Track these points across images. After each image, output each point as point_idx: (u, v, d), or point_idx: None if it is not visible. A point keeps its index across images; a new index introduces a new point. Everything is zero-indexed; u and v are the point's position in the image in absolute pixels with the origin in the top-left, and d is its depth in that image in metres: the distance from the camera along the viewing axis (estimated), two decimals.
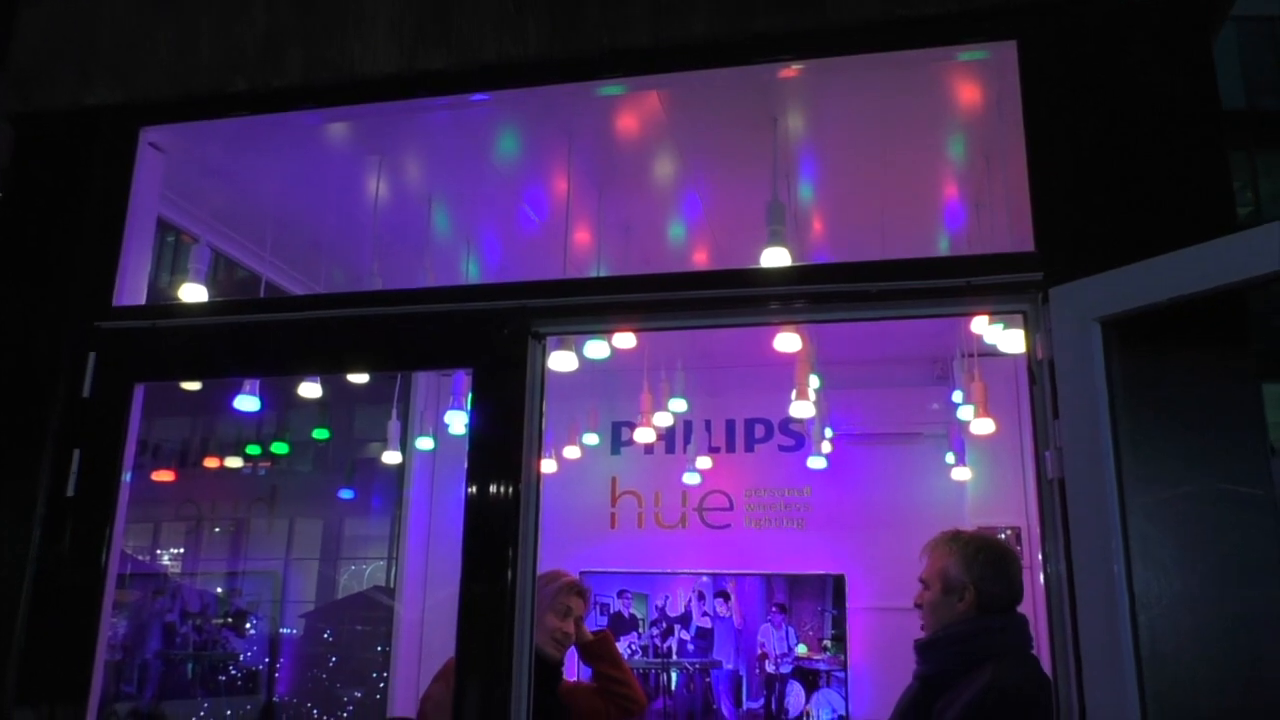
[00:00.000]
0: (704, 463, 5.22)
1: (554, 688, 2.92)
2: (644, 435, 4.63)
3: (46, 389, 2.50)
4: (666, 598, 5.09)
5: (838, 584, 4.91)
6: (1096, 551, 1.82)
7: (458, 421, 4.38)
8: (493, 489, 2.21)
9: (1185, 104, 2.09)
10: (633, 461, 5.41)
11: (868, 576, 4.93)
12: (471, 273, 3.93)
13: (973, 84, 2.64)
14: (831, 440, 4.95)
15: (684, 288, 2.31)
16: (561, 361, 3.58)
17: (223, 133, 2.82)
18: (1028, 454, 4.12)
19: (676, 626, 5.05)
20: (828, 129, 2.97)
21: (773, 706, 4.86)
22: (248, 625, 7.00)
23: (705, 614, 5.03)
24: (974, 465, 4.80)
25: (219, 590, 7.78)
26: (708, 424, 5.35)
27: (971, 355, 4.22)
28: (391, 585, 6.20)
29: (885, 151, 3.07)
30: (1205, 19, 2.14)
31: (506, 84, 2.53)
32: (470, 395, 2.33)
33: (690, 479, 5.17)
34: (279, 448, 8.34)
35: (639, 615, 5.09)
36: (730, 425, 5.35)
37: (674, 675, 5.01)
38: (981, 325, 3.58)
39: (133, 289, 2.63)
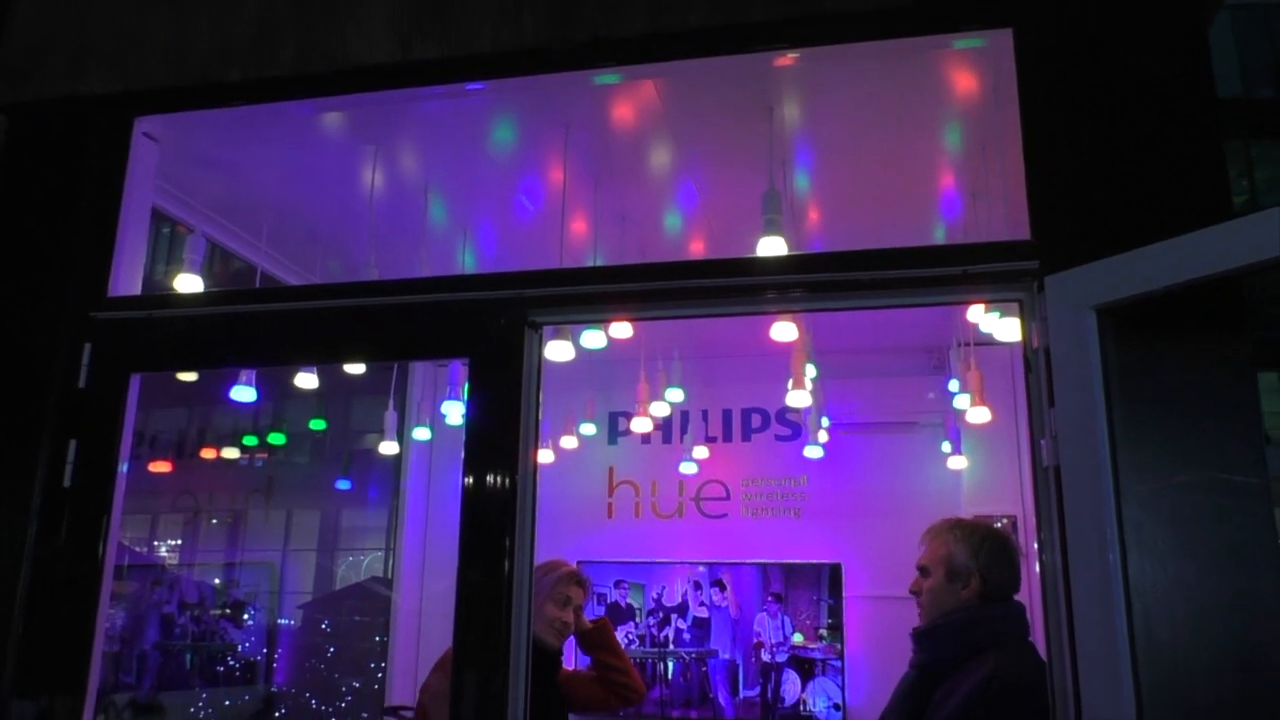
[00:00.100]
0: (701, 452, 5.23)
1: (553, 677, 2.92)
2: (641, 425, 4.64)
3: (42, 380, 2.50)
4: (664, 587, 5.10)
5: (834, 573, 4.92)
6: (1092, 539, 1.82)
7: (454, 412, 4.38)
8: (490, 479, 2.22)
9: (1180, 92, 2.08)
10: (630, 451, 5.41)
11: (864, 565, 4.94)
12: (468, 263, 3.92)
13: (969, 72, 2.64)
14: (828, 430, 4.96)
15: (680, 277, 2.31)
16: (558, 351, 3.58)
17: (218, 123, 2.81)
18: (1023, 443, 4.12)
19: (673, 616, 5.06)
20: (824, 118, 2.97)
21: (769, 695, 4.87)
22: (246, 616, 7.00)
23: (702, 604, 5.04)
24: (970, 454, 4.81)
25: (217, 581, 7.78)
26: (704, 414, 5.35)
27: (967, 344, 4.22)
28: (389, 576, 6.20)
29: (881, 140, 3.06)
30: (1200, 7, 2.13)
31: (502, 73, 2.52)
32: (467, 385, 2.33)
33: (687, 469, 5.18)
34: (276, 439, 8.32)
35: (636, 605, 5.11)
36: (727, 415, 5.36)
37: (671, 664, 5.02)
38: (977, 314, 3.58)
39: (128, 280, 2.63)
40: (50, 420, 2.47)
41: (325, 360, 3.34)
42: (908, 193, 3.39)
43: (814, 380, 4.13)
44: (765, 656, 4.92)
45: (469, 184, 3.45)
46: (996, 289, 2.16)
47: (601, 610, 5.04)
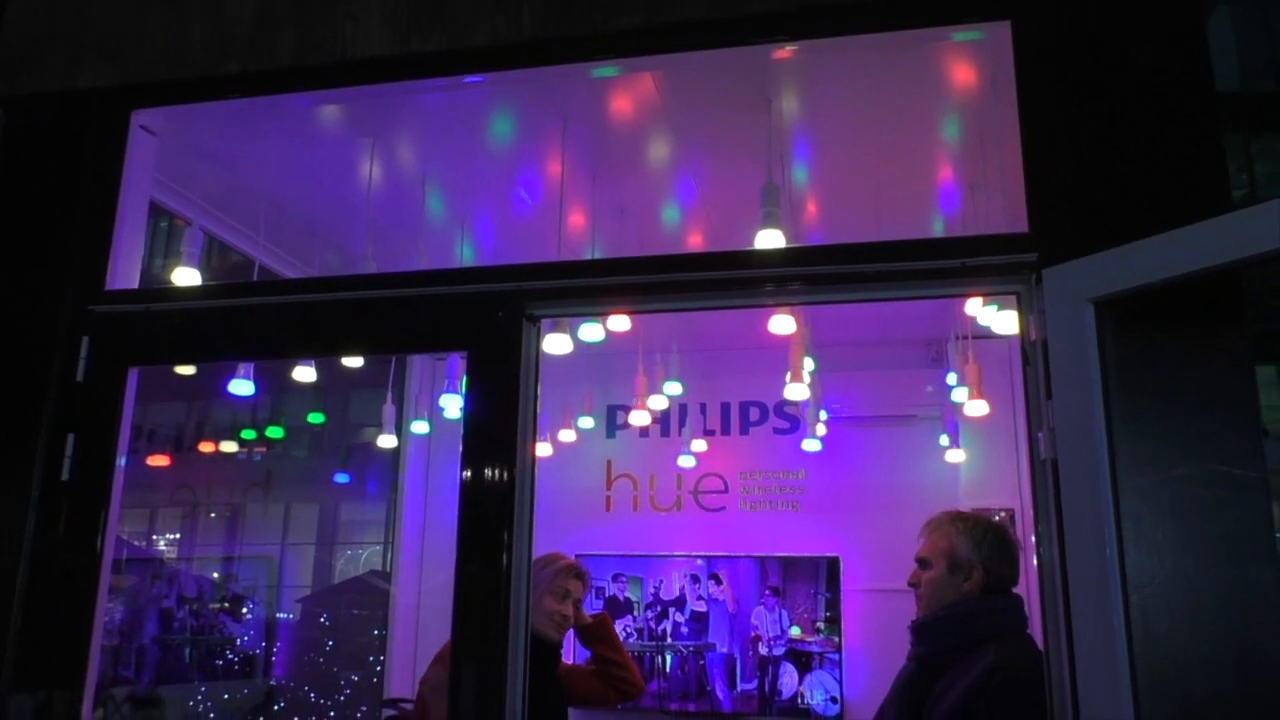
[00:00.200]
0: (699, 446, 5.23)
1: (552, 670, 2.93)
2: (639, 418, 4.64)
3: (40, 373, 2.50)
4: (661, 580, 5.10)
5: (832, 566, 4.92)
6: (1089, 532, 1.83)
7: (453, 405, 4.38)
8: (488, 473, 2.22)
9: (1179, 85, 2.08)
10: (628, 445, 5.41)
11: (862, 558, 4.95)
12: (466, 256, 3.92)
13: (967, 65, 2.64)
14: (826, 423, 4.96)
15: (679, 270, 2.31)
16: (556, 344, 3.58)
17: (215, 116, 2.81)
18: (1021, 436, 4.13)
19: (671, 609, 5.07)
20: (822, 111, 2.96)
21: (766, 688, 4.88)
22: (244, 610, 7.01)
23: (700, 598, 5.05)
24: (968, 447, 4.81)
25: (215, 575, 7.78)
26: (703, 407, 5.35)
27: (966, 337, 4.23)
28: (388, 570, 6.21)
29: (880, 133, 3.06)
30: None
31: (500, 66, 2.52)
32: (465, 378, 2.33)
33: (685, 462, 5.18)
34: (274, 432, 8.32)
35: (634, 598, 5.11)
36: (725, 408, 5.36)
37: (668, 658, 5.03)
38: (976, 307, 3.58)
39: (126, 273, 2.62)
40: (48, 414, 2.47)
41: (323, 353, 3.33)
42: (906, 185, 3.39)
43: (812, 373, 4.13)
44: (762, 650, 4.93)
45: (467, 177, 3.45)
46: (995, 282, 2.16)
47: (599, 604, 5.04)
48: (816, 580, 4.94)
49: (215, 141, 3.11)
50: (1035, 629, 2.16)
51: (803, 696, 4.82)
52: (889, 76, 2.72)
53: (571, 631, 3.11)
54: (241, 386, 3.74)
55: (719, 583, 5.03)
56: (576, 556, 3.16)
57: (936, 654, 2.40)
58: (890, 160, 3.22)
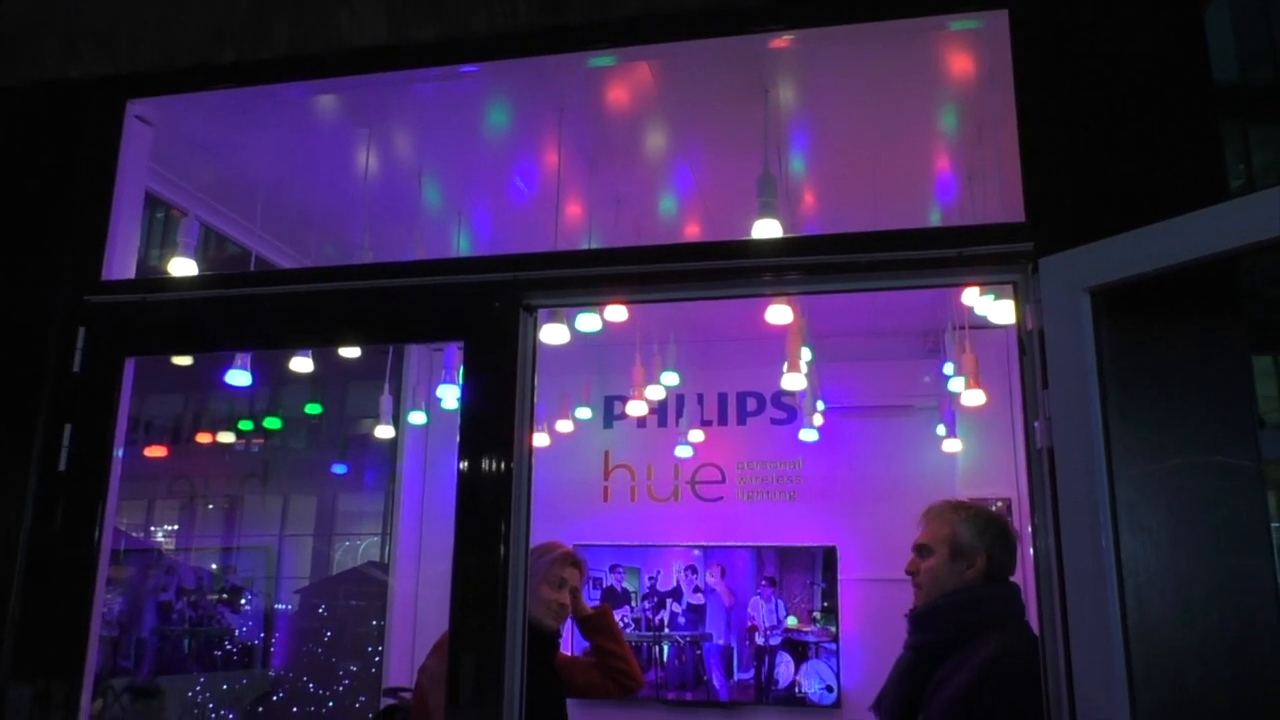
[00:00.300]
0: (696, 436, 5.24)
1: (551, 659, 2.93)
2: (636, 409, 4.64)
3: (37, 363, 2.49)
4: (659, 571, 5.11)
5: (828, 556, 4.94)
6: (1085, 520, 1.83)
7: (450, 396, 4.38)
8: (485, 463, 2.22)
9: (1177, 74, 2.08)
10: (625, 435, 5.42)
11: (859, 548, 4.96)
12: (463, 246, 3.92)
13: (964, 54, 2.63)
14: (823, 413, 4.96)
15: (676, 259, 2.30)
16: (553, 334, 3.58)
17: (211, 106, 2.80)
18: (1018, 426, 4.13)
19: (668, 600, 5.08)
20: (820, 100, 2.96)
21: (762, 678, 4.90)
22: (243, 601, 7.02)
23: (697, 589, 5.06)
24: (965, 437, 4.82)
25: (214, 566, 7.80)
26: (700, 397, 5.36)
27: (963, 328, 4.23)
28: (386, 561, 6.22)
29: (877, 122, 3.06)
30: None
31: (496, 55, 2.51)
32: (462, 369, 2.33)
33: (682, 452, 5.18)
34: (271, 423, 8.33)
35: (631, 589, 5.12)
36: (722, 398, 5.36)
37: (666, 648, 5.04)
38: (972, 297, 3.59)
39: (122, 263, 2.62)
40: (45, 404, 2.47)
41: (320, 343, 3.33)
42: (903, 175, 3.39)
43: (809, 363, 4.14)
44: (759, 640, 4.94)
45: (463, 167, 3.44)
46: (991, 271, 2.16)
47: (597, 594, 5.05)
48: (812, 570, 4.95)
49: (211, 131, 3.10)
50: (1031, 617, 2.17)
51: (799, 685, 4.84)
52: (886, 66, 2.72)
53: (571, 622, 3.11)
54: (238, 377, 3.74)
55: (722, 574, 5.04)
56: (574, 547, 3.16)
57: (936, 642, 2.39)
58: (887, 150, 3.22)
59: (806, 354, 4.01)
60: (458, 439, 2.25)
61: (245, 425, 8.14)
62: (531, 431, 2.27)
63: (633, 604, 5.10)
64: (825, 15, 2.33)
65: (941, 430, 4.85)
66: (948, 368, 4.38)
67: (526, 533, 2.22)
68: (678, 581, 5.09)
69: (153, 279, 2.76)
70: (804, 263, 2.25)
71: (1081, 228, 1.96)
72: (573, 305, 3.52)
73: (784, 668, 4.88)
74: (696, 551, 5.10)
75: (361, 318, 2.47)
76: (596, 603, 3.87)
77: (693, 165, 3.37)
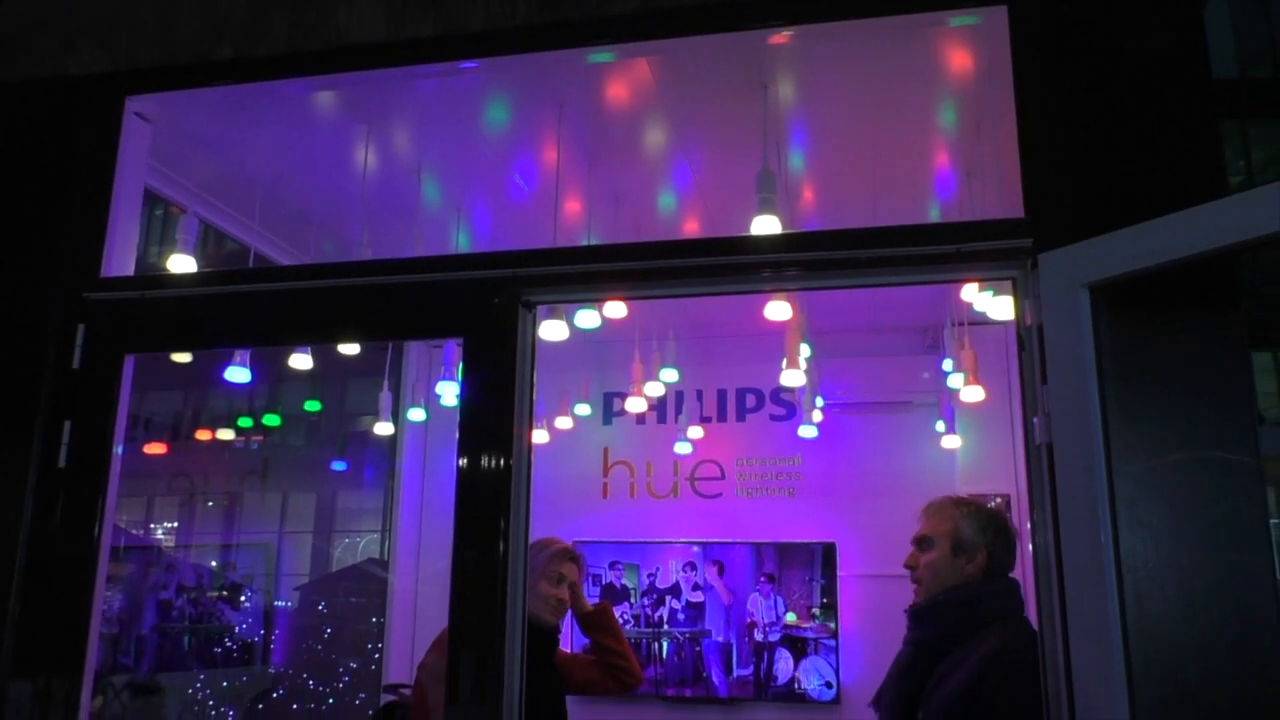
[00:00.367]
0: (695, 432, 5.24)
1: (550, 655, 2.93)
2: (635, 405, 4.64)
3: (36, 361, 2.49)
4: (658, 568, 5.12)
5: (827, 552, 4.94)
6: (1084, 516, 1.83)
7: (449, 392, 4.38)
8: (484, 460, 2.22)
9: (1176, 70, 2.08)
10: (624, 432, 5.42)
11: (858, 544, 4.96)
12: (462, 243, 3.92)
13: (963, 50, 2.63)
14: (822, 409, 4.97)
15: (675, 256, 2.30)
16: (552, 330, 3.58)
17: (210, 102, 2.80)
18: (1017, 421, 4.13)
19: (667, 596, 5.09)
20: (819, 96, 2.96)
21: (761, 674, 4.90)
22: (242, 598, 7.02)
23: (696, 586, 5.06)
24: (964, 433, 4.82)
25: (213, 563, 7.80)
26: (699, 394, 5.36)
27: (962, 324, 4.23)
28: (385, 557, 6.22)
29: (876, 119, 3.06)
30: None
31: (495, 51, 2.51)
32: (461, 365, 2.32)
33: (682, 449, 5.18)
34: (271, 420, 8.33)
35: (630, 585, 5.13)
36: (722, 395, 5.36)
37: (665, 644, 5.05)
38: (971, 293, 3.59)
39: (121, 260, 2.61)
40: (44, 401, 2.46)
41: (319, 340, 3.33)
42: (902, 171, 3.39)
43: (808, 360, 4.14)
44: (758, 636, 4.94)
45: (462, 163, 3.44)
46: (990, 267, 2.16)
47: (597, 591, 5.06)
48: (811, 567, 4.96)
49: (210, 128, 3.10)
50: (1031, 613, 2.17)
51: (798, 682, 4.85)
52: (885, 62, 2.72)
53: (571, 618, 3.11)
54: (238, 374, 3.74)
55: (721, 572, 5.04)
56: (573, 543, 3.16)
57: (937, 638, 2.39)
58: (886, 146, 3.22)
59: (806, 350, 4.01)
60: (457, 436, 2.25)
61: (245, 422, 8.14)
62: (531, 428, 2.27)
63: (632, 600, 5.10)
64: (824, 11, 2.33)
65: (941, 426, 4.86)
66: (947, 364, 4.38)
67: (526, 529, 2.22)
68: (676, 580, 5.09)
69: (152, 276, 2.76)
70: (803, 259, 2.25)
71: (1081, 224, 1.95)
72: (572, 302, 3.52)
73: (783, 664, 4.88)
74: (696, 548, 5.11)
75: (360, 314, 2.47)
76: (596, 600, 3.86)
77: (692, 161, 3.37)
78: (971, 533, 2.42)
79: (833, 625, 4.86)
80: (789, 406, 5.24)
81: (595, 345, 4.63)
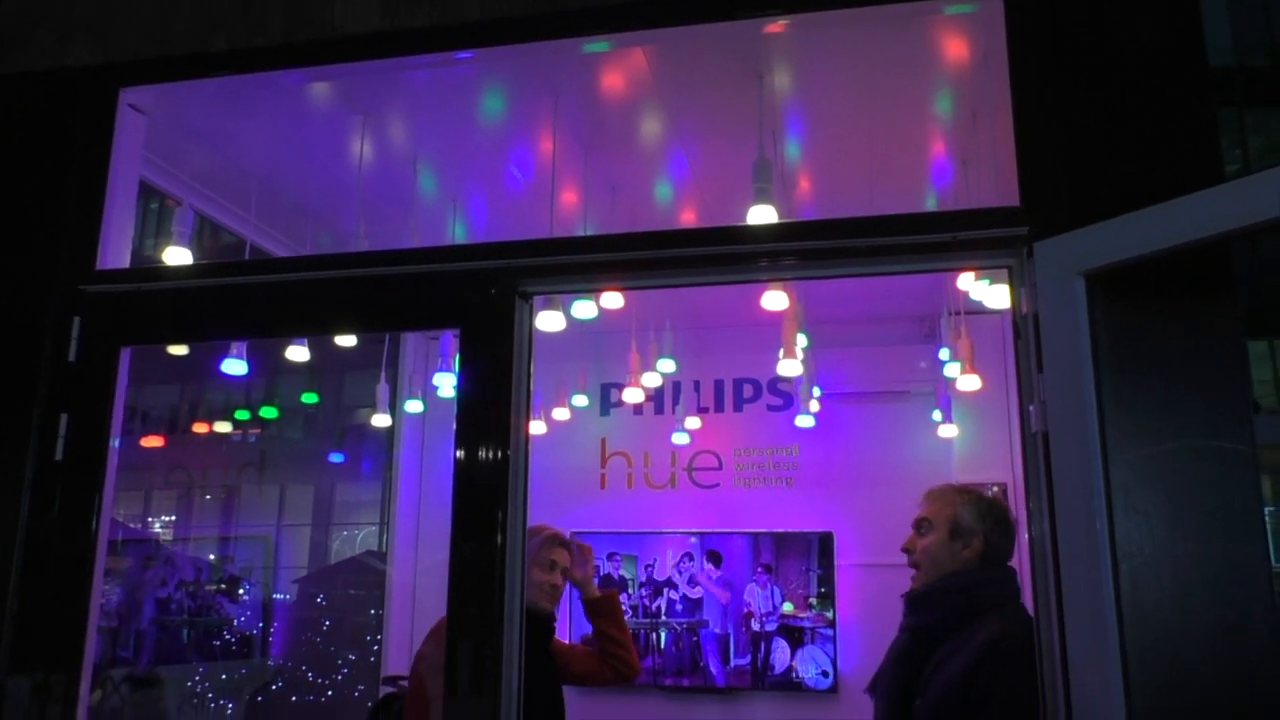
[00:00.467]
0: (693, 423, 5.24)
1: (547, 643, 2.94)
2: (633, 396, 4.64)
3: (32, 353, 2.49)
4: (655, 559, 5.13)
5: (825, 542, 4.95)
6: (1080, 503, 1.84)
7: (446, 384, 4.38)
8: (482, 451, 2.22)
9: (1172, 58, 2.08)
10: (622, 422, 5.42)
11: (856, 533, 4.97)
12: (458, 234, 3.91)
13: (959, 39, 2.63)
14: (819, 399, 4.97)
15: (672, 246, 2.30)
16: (548, 321, 3.58)
17: (205, 94, 2.79)
18: (1014, 411, 4.15)
19: (665, 588, 5.10)
20: (815, 86, 2.95)
21: (759, 663, 4.92)
22: (241, 591, 7.03)
23: (694, 581, 5.07)
24: (961, 422, 4.83)
25: (211, 557, 7.80)
26: (696, 384, 5.36)
27: (958, 313, 4.23)
28: (384, 550, 6.22)
29: (872, 108, 3.05)
30: None
31: (490, 41, 2.50)
32: (458, 357, 2.32)
33: (679, 439, 5.19)
34: (268, 413, 8.32)
35: (628, 576, 5.14)
36: (719, 385, 5.37)
37: (663, 635, 5.06)
38: (968, 282, 3.59)
39: (116, 253, 2.61)
40: (41, 394, 2.46)
41: (316, 331, 3.33)
42: (898, 160, 3.39)
43: (805, 350, 4.14)
44: (755, 626, 4.96)
45: (458, 154, 3.44)
46: (986, 255, 2.16)
47: (594, 582, 5.06)
48: (808, 556, 4.97)
49: (205, 120, 3.10)
50: (1026, 600, 2.18)
51: (795, 671, 4.86)
52: (881, 51, 2.71)
53: (579, 603, 3.13)
54: (234, 366, 3.74)
55: (717, 565, 5.05)
56: (572, 534, 3.17)
57: (934, 625, 2.40)
58: (882, 135, 3.22)
59: (802, 340, 4.01)
60: (454, 427, 2.25)
61: (242, 415, 8.13)
62: (528, 419, 2.27)
63: (630, 591, 5.11)
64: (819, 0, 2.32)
65: (937, 415, 4.86)
66: (943, 353, 4.39)
67: (524, 521, 2.22)
68: (672, 576, 5.10)
69: (147, 268, 2.75)
70: (799, 248, 2.25)
71: (1076, 212, 1.96)
72: (568, 292, 3.52)
73: (780, 653, 4.90)
74: (693, 538, 5.11)
75: (357, 306, 2.47)
76: (609, 589, 3.87)
77: (688, 151, 3.36)
78: (970, 519, 2.43)
79: (830, 615, 4.87)
80: (786, 397, 5.24)
81: (592, 336, 4.64)
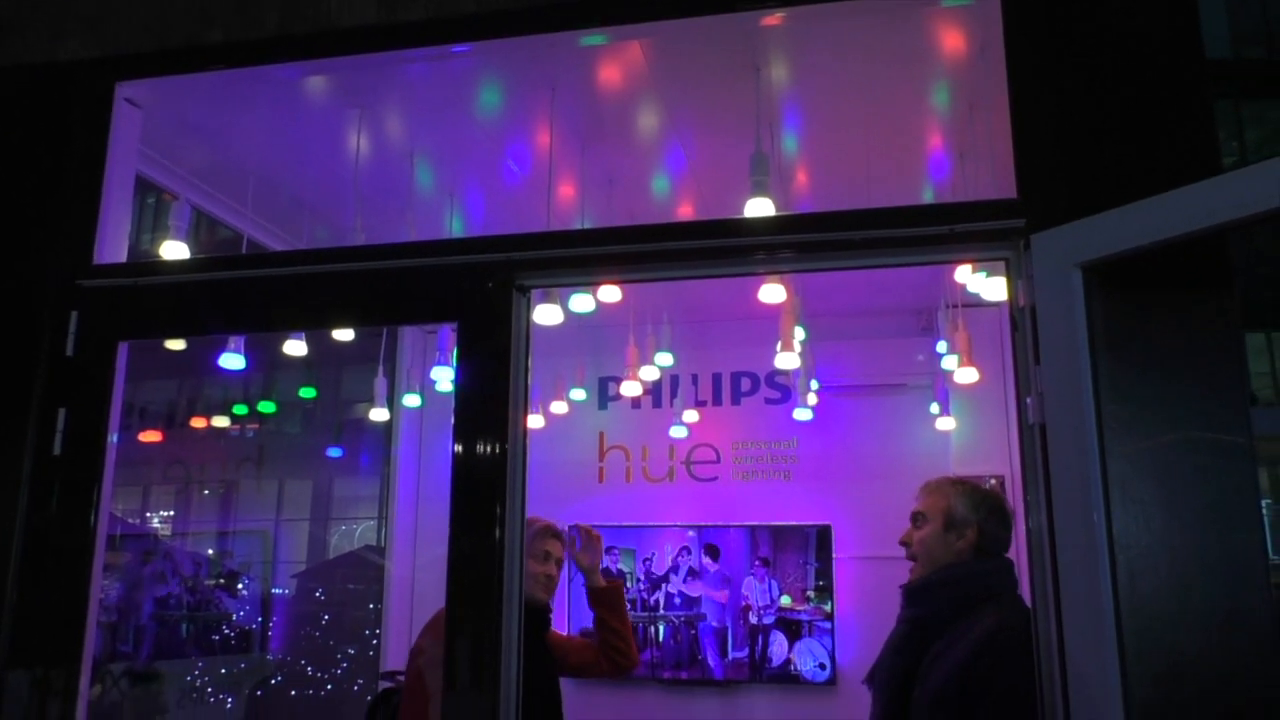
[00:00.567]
0: (691, 416, 5.25)
1: (543, 634, 2.95)
2: (630, 389, 4.65)
3: (30, 348, 2.49)
4: (654, 553, 5.13)
5: (823, 535, 4.96)
6: (1077, 495, 1.84)
7: (444, 378, 4.38)
8: (480, 445, 2.22)
9: (1169, 50, 2.08)
10: (620, 416, 5.43)
11: (854, 526, 4.98)
12: (455, 228, 3.91)
13: (956, 31, 2.63)
14: (817, 392, 4.98)
15: (669, 239, 2.30)
16: (546, 315, 3.58)
17: (201, 88, 2.78)
18: (1012, 403, 4.15)
19: (663, 582, 5.11)
20: (811, 79, 2.95)
21: (756, 656, 4.93)
22: (240, 586, 7.03)
23: (691, 570, 5.08)
24: (958, 415, 4.84)
25: (210, 551, 7.80)
26: (694, 378, 5.37)
27: (955, 305, 4.23)
28: (382, 544, 6.23)
29: (869, 101, 3.05)
30: None
31: (487, 34, 2.50)
32: (456, 350, 2.32)
33: (677, 433, 5.19)
34: (266, 407, 8.31)
35: (626, 570, 5.14)
36: (717, 378, 5.37)
37: (661, 628, 5.07)
38: (965, 274, 3.59)
39: (113, 247, 2.61)
40: (39, 388, 2.46)
41: (313, 326, 3.33)
42: (895, 153, 3.39)
43: (803, 343, 4.14)
44: (753, 619, 4.97)
45: (455, 148, 3.43)
46: (983, 247, 2.16)
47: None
48: (807, 549, 4.98)
49: (201, 114, 3.09)
50: (1024, 591, 2.18)
51: (793, 664, 4.87)
52: (878, 43, 2.71)
53: (584, 591, 3.14)
54: (232, 360, 3.73)
55: (714, 559, 5.06)
56: (569, 527, 3.17)
57: (931, 616, 2.40)
58: (879, 128, 3.22)
59: (800, 333, 4.01)
60: (452, 421, 2.25)
61: (240, 409, 8.13)
62: (526, 413, 2.27)
63: (628, 584, 5.12)
64: None
65: (935, 408, 4.87)
66: (941, 346, 4.39)
67: (522, 515, 2.22)
68: (671, 562, 5.11)
69: (144, 263, 2.75)
70: (797, 241, 2.25)
71: (1073, 204, 1.96)
72: (566, 286, 3.52)
73: (778, 646, 4.91)
74: (691, 532, 5.12)
75: (354, 300, 2.47)
76: (614, 579, 3.87)
77: (685, 144, 3.36)
78: (964, 510, 2.43)
79: (827, 607, 4.88)
80: (784, 390, 5.25)
81: (590, 330, 4.63)
